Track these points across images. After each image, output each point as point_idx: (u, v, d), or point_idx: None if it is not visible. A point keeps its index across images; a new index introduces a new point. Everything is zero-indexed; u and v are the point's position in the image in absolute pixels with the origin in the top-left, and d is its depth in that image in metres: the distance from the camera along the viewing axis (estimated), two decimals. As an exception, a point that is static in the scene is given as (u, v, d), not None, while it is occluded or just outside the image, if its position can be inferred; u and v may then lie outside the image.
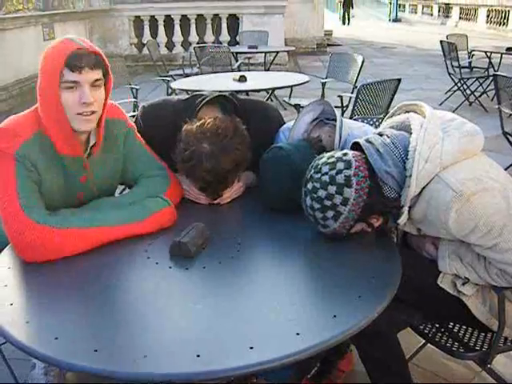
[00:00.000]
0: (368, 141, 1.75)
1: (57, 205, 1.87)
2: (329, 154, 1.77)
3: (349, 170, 1.68)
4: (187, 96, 2.28)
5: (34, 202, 1.75)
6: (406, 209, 1.70)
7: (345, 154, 1.73)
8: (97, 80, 1.78)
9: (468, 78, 8.20)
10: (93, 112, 1.79)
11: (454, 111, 7.72)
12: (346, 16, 30.22)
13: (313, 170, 1.75)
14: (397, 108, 1.92)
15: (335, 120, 2.14)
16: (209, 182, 1.95)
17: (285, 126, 2.33)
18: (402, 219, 1.72)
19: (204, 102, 2.14)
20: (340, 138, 2.09)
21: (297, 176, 1.85)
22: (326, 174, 1.70)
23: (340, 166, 1.69)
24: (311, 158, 1.83)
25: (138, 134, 2.11)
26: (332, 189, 1.68)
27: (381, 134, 1.78)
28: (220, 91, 2.28)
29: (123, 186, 2.72)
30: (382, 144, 1.72)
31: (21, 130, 1.79)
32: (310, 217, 1.76)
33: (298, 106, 5.62)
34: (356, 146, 1.78)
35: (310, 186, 1.73)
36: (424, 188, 1.68)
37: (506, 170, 1.90)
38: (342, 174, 1.68)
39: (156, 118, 2.24)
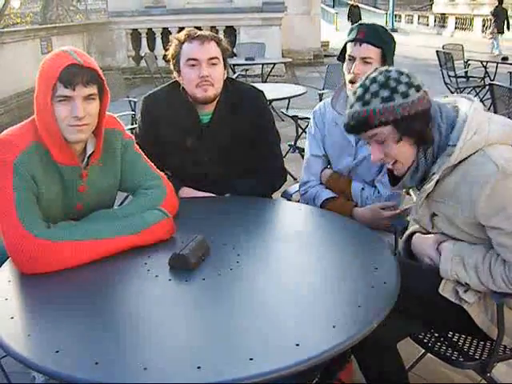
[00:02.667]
0: None
1: (56, 216, 1.88)
2: None
3: (422, 87, 1.73)
4: None
5: (32, 215, 1.76)
6: (436, 177, 1.72)
7: None
8: (90, 95, 1.79)
9: (464, 88, 8.24)
10: (84, 124, 1.80)
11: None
12: None
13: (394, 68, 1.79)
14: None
15: None
16: (191, 32, 2.37)
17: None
18: (429, 186, 1.74)
19: None
20: None
21: None
22: (404, 73, 1.74)
23: (418, 80, 1.74)
24: None
25: (137, 146, 2.12)
26: (404, 79, 1.71)
27: None
28: None
29: (123, 197, 2.76)
30: (441, 103, 1.79)
31: (18, 141, 1.80)
32: (360, 89, 1.76)
33: (295, 118, 5.64)
34: None
35: (384, 68, 1.77)
36: (462, 161, 1.70)
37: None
38: (417, 81, 1.73)
39: (153, 97, 2.53)
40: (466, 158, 1.70)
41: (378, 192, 2.39)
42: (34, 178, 1.79)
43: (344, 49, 2.39)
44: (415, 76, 1.75)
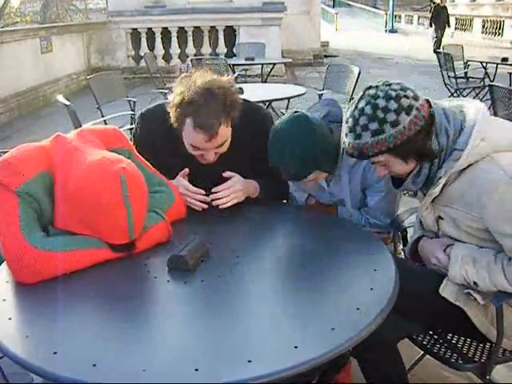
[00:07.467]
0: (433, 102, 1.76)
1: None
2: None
3: (416, 101, 1.68)
4: None
5: (33, 227, 1.71)
6: (442, 181, 1.71)
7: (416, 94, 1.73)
8: None
9: (464, 89, 8.25)
10: None
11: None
12: (441, 39, 18.69)
13: (381, 82, 1.73)
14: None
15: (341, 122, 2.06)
16: (198, 102, 1.99)
17: None
18: (436, 191, 1.73)
19: None
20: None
21: (318, 139, 1.91)
22: (395, 90, 1.69)
23: (410, 93, 1.69)
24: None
25: (138, 154, 2.07)
26: (393, 105, 1.66)
27: None
28: None
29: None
30: (447, 107, 1.76)
31: (25, 168, 1.74)
32: (351, 120, 1.72)
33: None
34: None
35: (372, 91, 1.71)
36: (469, 166, 1.68)
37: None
38: (408, 99, 1.68)
39: (152, 116, 2.34)
40: (473, 164, 1.67)
41: (367, 219, 2.29)
42: (38, 202, 1.75)
43: None
44: (406, 93, 1.68)
